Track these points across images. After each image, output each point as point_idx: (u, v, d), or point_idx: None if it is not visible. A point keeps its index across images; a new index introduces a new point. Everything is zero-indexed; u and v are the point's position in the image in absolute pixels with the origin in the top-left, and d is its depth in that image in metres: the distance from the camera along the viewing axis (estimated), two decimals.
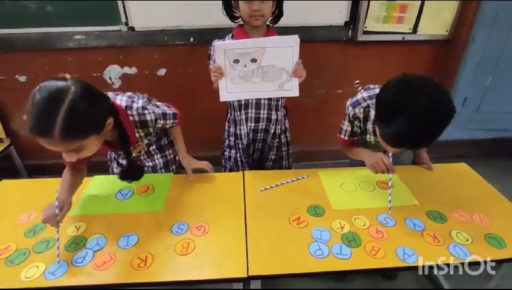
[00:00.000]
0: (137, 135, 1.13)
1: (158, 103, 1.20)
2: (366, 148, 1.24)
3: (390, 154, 1.05)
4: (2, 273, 0.88)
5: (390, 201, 1.07)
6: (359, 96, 1.15)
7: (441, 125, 0.87)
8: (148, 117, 1.09)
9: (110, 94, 1.07)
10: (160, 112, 1.14)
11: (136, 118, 1.07)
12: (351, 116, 1.18)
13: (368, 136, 1.22)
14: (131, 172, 1.12)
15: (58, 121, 0.77)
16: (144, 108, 1.07)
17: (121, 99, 1.06)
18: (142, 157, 1.33)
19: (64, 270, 0.89)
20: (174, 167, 1.40)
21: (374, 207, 1.12)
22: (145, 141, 1.22)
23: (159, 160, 1.34)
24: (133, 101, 1.07)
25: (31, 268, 0.90)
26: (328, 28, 1.96)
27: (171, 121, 1.21)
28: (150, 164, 1.34)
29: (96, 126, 0.88)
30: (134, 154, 1.21)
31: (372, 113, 1.10)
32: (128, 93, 1.12)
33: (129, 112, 1.05)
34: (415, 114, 0.84)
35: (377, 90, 1.06)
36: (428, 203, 1.14)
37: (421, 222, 1.06)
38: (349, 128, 1.22)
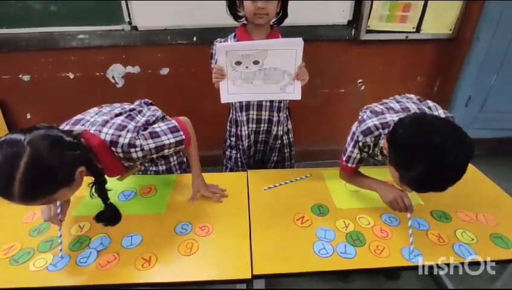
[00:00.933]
0: (126, 164, 1.05)
1: (163, 127, 1.03)
2: (373, 163, 1.19)
3: (408, 193, 0.99)
4: (7, 272, 0.89)
5: (412, 243, 0.95)
6: (370, 123, 1.04)
7: (465, 164, 0.82)
8: (134, 155, 0.96)
9: (93, 121, 0.95)
10: (153, 146, 0.99)
11: (121, 155, 0.96)
12: (361, 144, 1.07)
13: (375, 156, 1.16)
14: (107, 216, 1.00)
15: (15, 188, 0.71)
16: (130, 145, 0.94)
17: (106, 133, 0.93)
18: (146, 164, 1.30)
19: (66, 262, 0.90)
20: (178, 172, 1.36)
21: (378, 206, 1.11)
22: (139, 167, 1.15)
23: (162, 166, 1.32)
24: (119, 136, 0.93)
25: (39, 260, 0.91)
26: (330, 27, 1.96)
27: (172, 149, 1.06)
28: (153, 168, 1.32)
29: (63, 180, 0.80)
30: (129, 175, 1.14)
31: (382, 141, 1.03)
32: (119, 121, 0.97)
33: (114, 149, 0.94)
34: (437, 158, 0.79)
35: (387, 116, 1.03)
36: (433, 202, 1.14)
37: (426, 221, 1.05)
38: (358, 156, 1.11)
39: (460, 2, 1.91)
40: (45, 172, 0.75)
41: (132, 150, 0.95)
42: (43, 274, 0.88)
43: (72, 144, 0.82)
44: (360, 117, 1.13)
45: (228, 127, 1.54)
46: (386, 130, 1.00)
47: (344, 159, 1.14)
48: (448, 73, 2.12)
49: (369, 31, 1.95)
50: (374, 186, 1.10)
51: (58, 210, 0.92)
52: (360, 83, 2.20)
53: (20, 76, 1.97)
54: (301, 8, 1.80)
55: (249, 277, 0.87)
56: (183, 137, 1.06)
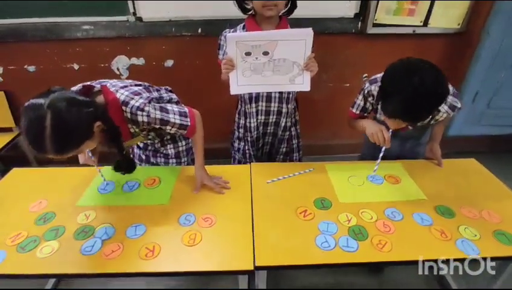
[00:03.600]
0: (131, 130, 1.12)
1: (174, 108, 1.11)
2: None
3: (391, 130, 1.12)
4: (14, 259, 0.90)
5: (377, 165, 1.20)
6: (378, 75, 1.19)
7: (429, 105, 0.97)
8: (139, 118, 1.03)
9: (114, 84, 1.06)
10: (159, 116, 1.06)
11: (129, 116, 1.03)
12: (365, 92, 1.24)
13: (378, 115, 1.28)
14: (123, 165, 1.10)
15: (47, 145, 0.81)
16: (139, 108, 1.01)
17: (121, 94, 1.02)
18: (156, 146, 1.34)
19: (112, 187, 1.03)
20: (186, 158, 1.40)
21: (381, 201, 1.12)
22: (143, 135, 1.20)
23: (171, 150, 1.36)
24: (132, 98, 1.02)
25: (45, 247, 0.94)
26: (337, 20, 1.93)
27: (175, 129, 1.12)
28: (163, 151, 1.36)
29: (85, 134, 0.89)
30: (134, 144, 1.21)
31: None
32: (136, 89, 1.07)
33: (124, 108, 1.02)
34: (406, 92, 0.93)
35: None
36: (437, 198, 1.13)
37: (429, 216, 1.05)
38: (362, 103, 1.27)
39: None
40: (68, 129, 0.84)
41: (139, 112, 1.02)
42: (49, 261, 0.90)
43: (85, 103, 0.90)
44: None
45: (236, 119, 1.54)
46: None
47: (351, 105, 1.31)
48: (456, 68, 2.09)
49: (376, 25, 1.92)
50: (363, 123, 1.25)
51: (90, 154, 1.09)
52: (365, 77, 2.17)
53: (26, 67, 1.98)
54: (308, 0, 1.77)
55: (251, 268, 0.88)
56: (189, 124, 1.13)
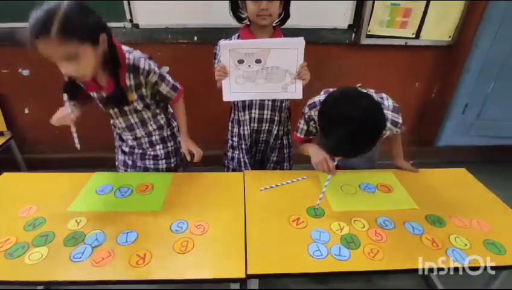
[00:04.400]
0: (127, 81, 1.13)
1: (168, 77, 1.23)
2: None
3: (336, 159, 1.12)
4: (1, 265, 0.88)
5: (320, 198, 1.11)
6: (316, 98, 1.19)
7: (371, 139, 0.93)
8: (141, 65, 1.11)
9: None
10: (157, 71, 1.17)
11: (131, 62, 1.10)
12: (306, 117, 1.23)
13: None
14: (116, 97, 1.12)
15: (55, 20, 0.86)
16: (142, 57, 1.12)
17: (126, 49, 1.12)
18: (144, 147, 1.34)
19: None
20: (175, 159, 1.42)
21: (373, 210, 1.12)
22: (133, 97, 1.19)
23: (160, 150, 1.36)
24: (135, 52, 1.13)
25: (34, 253, 0.91)
26: (331, 31, 1.97)
27: (167, 87, 1.23)
28: (152, 153, 1.36)
29: (90, 34, 0.95)
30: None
31: None
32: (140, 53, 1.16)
33: (127, 55, 1.10)
34: (346, 127, 0.90)
35: None
36: (428, 207, 1.15)
37: (420, 225, 1.06)
38: (305, 128, 1.28)
39: (460, 9, 1.93)
40: (80, 17, 0.92)
41: (142, 60, 1.12)
42: (38, 268, 0.88)
43: (98, 16, 0.99)
44: None
45: (230, 128, 1.54)
46: None
47: (296, 129, 1.31)
48: (447, 80, 2.14)
49: (369, 36, 1.96)
50: (309, 149, 1.25)
51: (70, 110, 1.08)
52: (359, 87, 2.20)
53: (20, 70, 1.96)
54: (302, 10, 1.81)
55: (243, 276, 0.88)
56: (179, 87, 1.29)
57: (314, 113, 1.17)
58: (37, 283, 0.86)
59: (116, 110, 1.22)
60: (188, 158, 1.31)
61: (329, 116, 0.96)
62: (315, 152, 1.21)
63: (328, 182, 1.11)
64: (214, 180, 1.25)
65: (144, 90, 1.18)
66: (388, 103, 1.19)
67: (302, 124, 1.28)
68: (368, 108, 0.90)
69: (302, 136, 1.30)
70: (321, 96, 1.20)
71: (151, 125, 1.31)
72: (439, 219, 1.10)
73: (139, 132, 1.30)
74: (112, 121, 1.31)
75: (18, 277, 0.86)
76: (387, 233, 1.03)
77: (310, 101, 1.21)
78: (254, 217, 1.08)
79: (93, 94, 1.17)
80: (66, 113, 1.09)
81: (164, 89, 1.22)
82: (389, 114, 1.13)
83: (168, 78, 1.23)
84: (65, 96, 1.10)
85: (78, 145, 1.15)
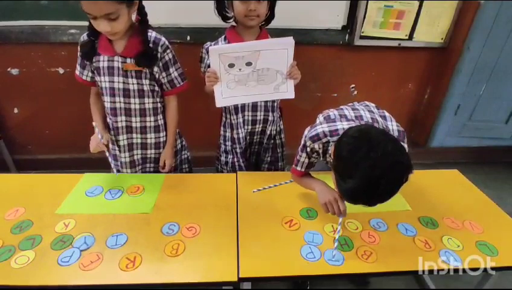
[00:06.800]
0: (143, 47, 1.17)
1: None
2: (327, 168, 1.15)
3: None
4: None
5: (336, 247, 0.96)
6: (319, 129, 1.03)
7: (397, 185, 0.82)
8: (161, 41, 1.20)
9: None
10: (173, 52, 1.26)
11: (153, 36, 1.19)
12: (308, 150, 1.08)
13: (327, 158, 1.11)
14: (146, 56, 1.18)
15: None
16: (162, 38, 1.21)
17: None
18: (134, 135, 1.32)
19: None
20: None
21: (366, 211, 1.11)
22: (144, 69, 1.22)
23: (151, 139, 1.34)
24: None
25: (20, 257, 0.89)
26: (325, 32, 1.96)
27: (176, 74, 1.29)
28: (140, 141, 1.33)
29: None
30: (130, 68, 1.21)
31: (331, 148, 1.00)
32: None
33: (149, 31, 1.18)
34: (370, 177, 0.78)
35: (338, 124, 1.02)
36: (421, 208, 1.15)
37: (413, 227, 1.06)
38: (306, 161, 1.12)
39: (453, 11, 1.94)
40: None
41: (163, 38, 1.22)
42: (24, 272, 0.86)
43: None
44: (316, 121, 1.14)
45: (222, 132, 1.51)
46: (335, 138, 0.97)
47: (294, 162, 1.14)
48: (439, 81, 2.15)
49: (362, 37, 1.96)
50: (313, 186, 1.10)
51: (100, 136, 1.19)
52: (352, 88, 2.21)
53: (9, 70, 1.92)
54: (295, 11, 1.80)
55: (235, 279, 0.86)
56: (184, 82, 1.34)
57: (318, 146, 1.04)
58: (24, 287, 0.83)
59: (120, 84, 1.22)
60: (161, 169, 1.37)
61: (349, 163, 0.82)
62: (322, 190, 1.05)
63: (340, 226, 0.98)
64: (206, 182, 1.24)
65: (155, 68, 1.22)
66: (392, 125, 1.07)
67: (303, 158, 1.11)
68: (393, 154, 0.80)
69: (303, 170, 1.14)
70: (323, 127, 1.03)
71: (148, 116, 1.30)
72: (432, 220, 1.10)
73: (135, 120, 1.29)
74: (107, 119, 1.29)
75: (3, 281, 0.84)
76: (381, 235, 1.03)
77: (312, 133, 1.04)
78: (246, 219, 1.07)
79: (103, 61, 1.20)
80: (98, 140, 1.20)
81: (173, 73, 1.27)
82: None
83: (180, 67, 1.30)
84: (95, 125, 1.22)
85: (114, 170, 1.27)
